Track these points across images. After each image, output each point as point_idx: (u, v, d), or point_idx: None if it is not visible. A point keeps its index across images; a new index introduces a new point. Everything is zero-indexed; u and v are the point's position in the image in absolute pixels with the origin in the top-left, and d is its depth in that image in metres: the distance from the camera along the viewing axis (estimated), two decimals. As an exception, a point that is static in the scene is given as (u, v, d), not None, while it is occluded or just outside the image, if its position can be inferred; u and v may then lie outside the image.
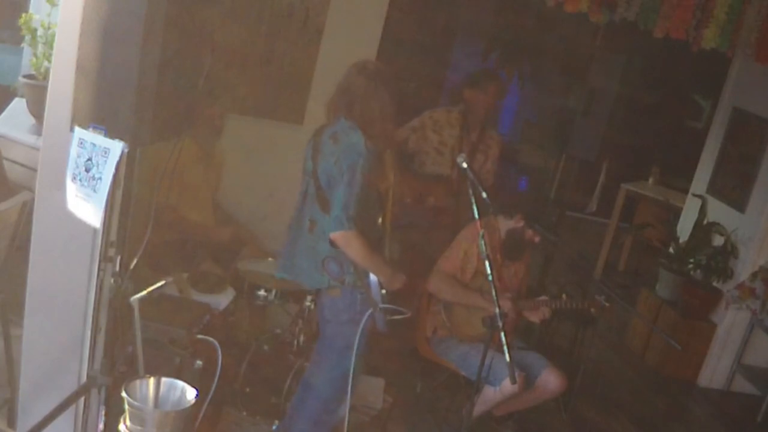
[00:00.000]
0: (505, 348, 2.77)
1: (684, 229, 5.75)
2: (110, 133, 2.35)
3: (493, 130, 4.78)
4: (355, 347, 3.18)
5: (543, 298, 3.88)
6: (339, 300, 3.24)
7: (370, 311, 3.16)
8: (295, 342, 3.77)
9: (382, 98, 3.12)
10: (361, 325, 3.17)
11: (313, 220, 3.21)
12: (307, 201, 3.23)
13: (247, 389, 3.68)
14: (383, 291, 3.16)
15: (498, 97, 4.64)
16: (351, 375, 3.20)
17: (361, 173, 3.03)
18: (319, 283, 3.23)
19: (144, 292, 2.63)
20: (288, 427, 3.49)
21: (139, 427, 2.58)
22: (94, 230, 2.67)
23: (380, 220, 3.32)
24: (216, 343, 3.14)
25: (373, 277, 3.15)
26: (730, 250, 5.29)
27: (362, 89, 3.12)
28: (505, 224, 3.85)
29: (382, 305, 3.14)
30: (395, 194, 4.31)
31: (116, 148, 2.37)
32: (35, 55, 4.22)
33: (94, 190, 2.42)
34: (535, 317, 3.84)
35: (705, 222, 5.49)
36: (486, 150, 4.67)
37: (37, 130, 3.89)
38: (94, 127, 2.37)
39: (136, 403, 2.60)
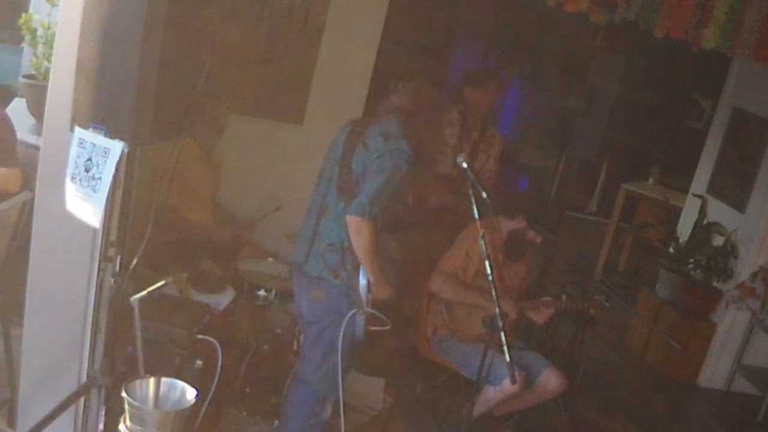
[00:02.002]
0: (505, 348, 2.77)
1: (684, 229, 5.75)
2: (110, 133, 2.35)
3: (494, 129, 4.79)
4: (340, 343, 3.17)
5: (546, 299, 3.87)
6: (323, 303, 3.23)
7: (353, 311, 3.15)
8: (295, 342, 3.77)
9: (439, 132, 3.27)
10: (344, 322, 3.16)
11: (326, 205, 3.22)
12: (328, 186, 3.24)
13: (247, 389, 3.68)
14: (369, 295, 3.15)
15: (498, 94, 4.65)
16: (340, 372, 3.20)
17: (399, 178, 3.07)
18: (315, 270, 3.21)
19: (144, 292, 2.63)
20: (283, 425, 3.49)
21: (139, 427, 2.58)
22: (94, 230, 2.67)
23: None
24: (216, 343, 3.14)
25: (363, 279, 3.14)
26: (730, 250, 5.29)
27: (426, 119, 3.21)
28: (506, 225, 3.85)
29: (366, 309, 3.14)
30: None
31: (116, 148, 2.37)
32: (35, 55, 4.23)
33: (94, 190, 2.42)
34: (539, 318, 3.84)
35: (705, 222, 5.49)
36: (487, 149, 4.68)
37: (37, 130, 3.89)
38: (94, 127, 2.37)
39: (136, 403, 2.60)
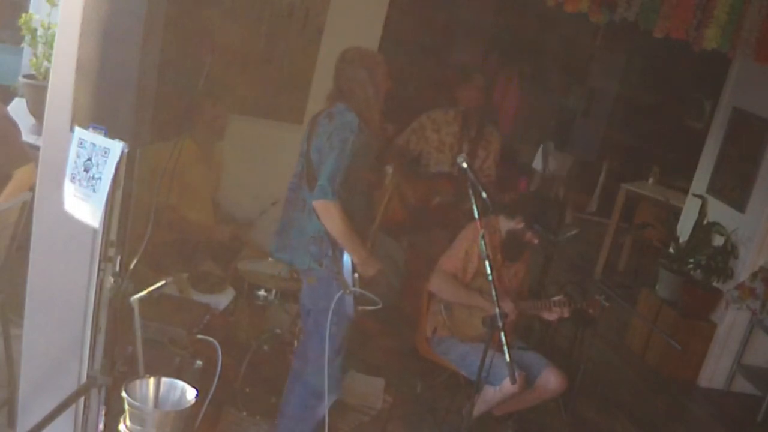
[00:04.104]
0: (505, 348, 2.77)
1: (684, 229, 5.75)
2: (110, 133, 2.35)
3: (492, 127, 4.80)
4: (327, 328, 3.18)
5: (558, 298, 3.85)
6: (316, 287, 3.27)
7: (340, 293, 3.17)
8: (295, 342, 3.77)
9: (362, 80, 3.20)
10: (332, 306, 3.17)
11: (303, 200, 3.28)
12: (300, 181, 3.30)
13: (247, 389, 3.69)
14: (356, 275, 3.17)
15: (483, 87, 4.67)
16: (326, 355, 3.19)
17: (351, 149, 3.09)
18: (304, 263, 3.26)
19: (144, 292, 2.63)
20: (279, 423, 3.49)
21: (139, 427, 2.58)
22: (94, 230, 2.67)
23: (372, 222, 3.34)
24: (216, 343, 3.14)
25: (347, 258, 3.16)
26: (730, 250, 5.29)
27: (343, 73, 3.24)
28: (505, 224, 3.85)
29: (352, 288, 3.15)
30: (398, 200, 4.31)
31: (116, 148, 2.37)
32: (35, 55, 4.23)
33: (94, 190, 2.42)
34: (551, 315, 3.82)
35: (705, 222, 5.49)
36: (486, 146, 4.69)
37: (37, 130, 3.89)
38: (94, 127, 2.37)
39: (136, 403, 2.60)
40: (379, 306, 3.19)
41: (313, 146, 3.23)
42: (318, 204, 3.10)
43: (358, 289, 3.17)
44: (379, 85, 3.24)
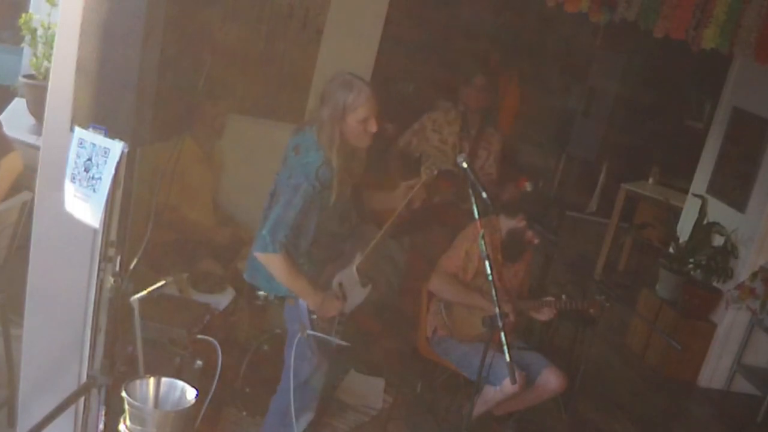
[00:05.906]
0: (505, 348, 2.77)
1: (684, 229, 5.75)
2: (110, 133, 2.36)
3: (493, 128, 4.80)
4: (291, 362, 3.07)
5: (548, 299, 3.86)
6: (293, 309, 3.13)
7: (298, 336, 3.05)
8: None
9: (329, 119, 2.93)
10: (294, 344, 3.06)
11: None
12: (273, 202, 3.09)
13: (247, 389, 3.69)
14: (313, 316, 3.04)
15: (486, 89, 4.65)
16: (291, 393, 3.09)
17: (302, 198, 2.88)
18: (282, 290, 3.10)
19: (144, 292, 2.63)
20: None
21: (139, 427, 2.58)
22: (94, 230, 2.67)
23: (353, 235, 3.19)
24: (216, 343, 3.14)
25: (302, 301, 3.04)
26: (730, 250, 5.29)
27: (321, 102, 3.01)
28: (506, 224, 3.85)
29: (309, 331, 3.03)
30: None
31: (116, 148, 2.37)
32: (35, 55, 4.23)
33: (94, 190, 2.42)
34: (540, 315, 3.83)
35: (705, 222, 5.49)
36: (488, 146, 4.69)
37: (37, 130, 3.90)
38: (94, 127, 2.37)
39: (136, 403, 2.60)
40: (347, 345, 3.10)
41: (281, 173, 3.03)
42: (259, 256, 2.92)
43: (314, 333, 3.03)
44: (349, 130, 2.94)
